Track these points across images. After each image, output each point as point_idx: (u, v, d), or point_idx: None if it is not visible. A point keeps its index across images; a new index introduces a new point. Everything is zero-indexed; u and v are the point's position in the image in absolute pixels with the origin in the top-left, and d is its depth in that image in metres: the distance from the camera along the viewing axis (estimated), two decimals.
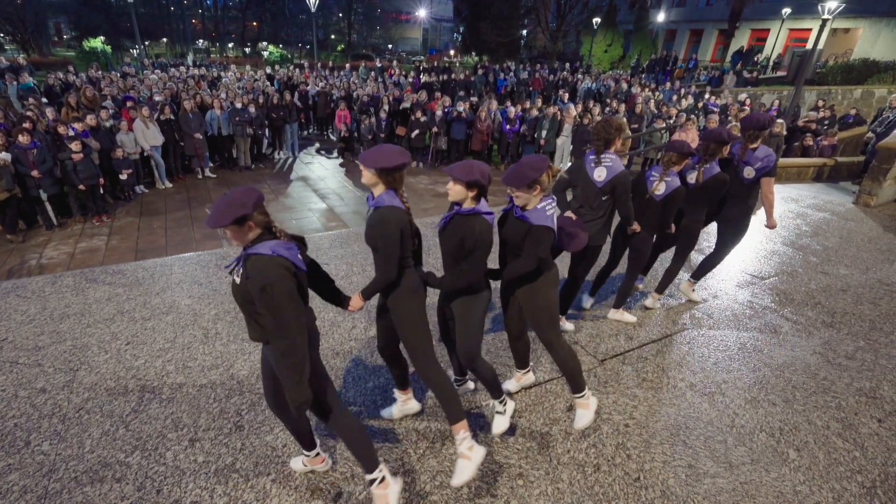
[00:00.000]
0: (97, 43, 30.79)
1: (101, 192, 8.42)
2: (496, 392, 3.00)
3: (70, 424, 3.16)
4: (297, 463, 2.88)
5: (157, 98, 11.23)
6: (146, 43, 37.80)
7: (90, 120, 8.50)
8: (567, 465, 2.94)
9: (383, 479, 2.57)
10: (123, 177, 8.93)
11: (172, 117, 10.04)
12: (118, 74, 16.36)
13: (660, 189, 3.84)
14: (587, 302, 4.68)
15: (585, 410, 3.10)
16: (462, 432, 2.70)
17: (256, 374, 3.64)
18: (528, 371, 3.54)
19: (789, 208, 7.85)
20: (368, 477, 2.56)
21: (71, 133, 7.78)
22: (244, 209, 2.00)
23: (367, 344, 4.04)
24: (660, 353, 4.03)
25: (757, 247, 6.16)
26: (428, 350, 2.69)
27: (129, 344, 4.00)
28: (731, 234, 4.38)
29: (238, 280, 2.12)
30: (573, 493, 2.76)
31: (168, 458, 2.92)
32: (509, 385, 3.53)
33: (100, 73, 16.09)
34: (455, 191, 2.51)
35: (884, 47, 23.51)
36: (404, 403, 3.26)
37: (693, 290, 4.90)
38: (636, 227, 3.92)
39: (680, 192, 3.82)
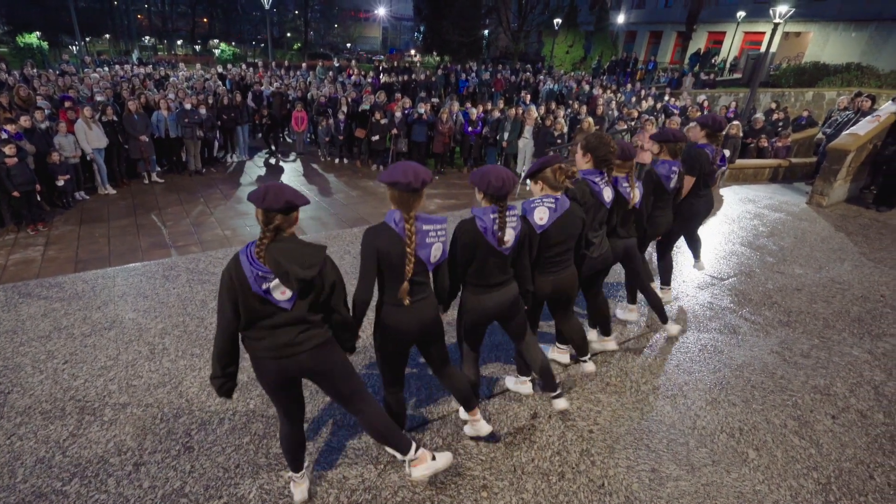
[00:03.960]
0: (32, 39, 29.34)
1: (38, 198, 7.91)
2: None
3: (0, 452, 2.93)
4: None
5: (98, 98, 10.67)
6: (87, 39, 36.10)
7: (24, 121, 7.98)
8: (531, 474, 2.89)
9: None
10: (60, 183, 8.41)
11: (115, 118, 9.55)
12: (55, 73, 15.54)
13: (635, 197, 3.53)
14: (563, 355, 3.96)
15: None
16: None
17: (207, 391, 3.46)
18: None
19: (747, 209, 8.06)
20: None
21: (3, 136, 7.28)
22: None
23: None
24: (623, 357, 4.03)
25: (716, 248, 6.30)
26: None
27: (66, 363, 3.74)
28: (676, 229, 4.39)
29: None
30: (538, 503, 2.70)
31: (110, 486, 2.74)
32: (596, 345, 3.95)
33: (35, 70, 15.27)
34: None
35: (833, 51, 24.50)
36: (473, 424, 3.07)
37: (667, 292, 4.82)
38: None
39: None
